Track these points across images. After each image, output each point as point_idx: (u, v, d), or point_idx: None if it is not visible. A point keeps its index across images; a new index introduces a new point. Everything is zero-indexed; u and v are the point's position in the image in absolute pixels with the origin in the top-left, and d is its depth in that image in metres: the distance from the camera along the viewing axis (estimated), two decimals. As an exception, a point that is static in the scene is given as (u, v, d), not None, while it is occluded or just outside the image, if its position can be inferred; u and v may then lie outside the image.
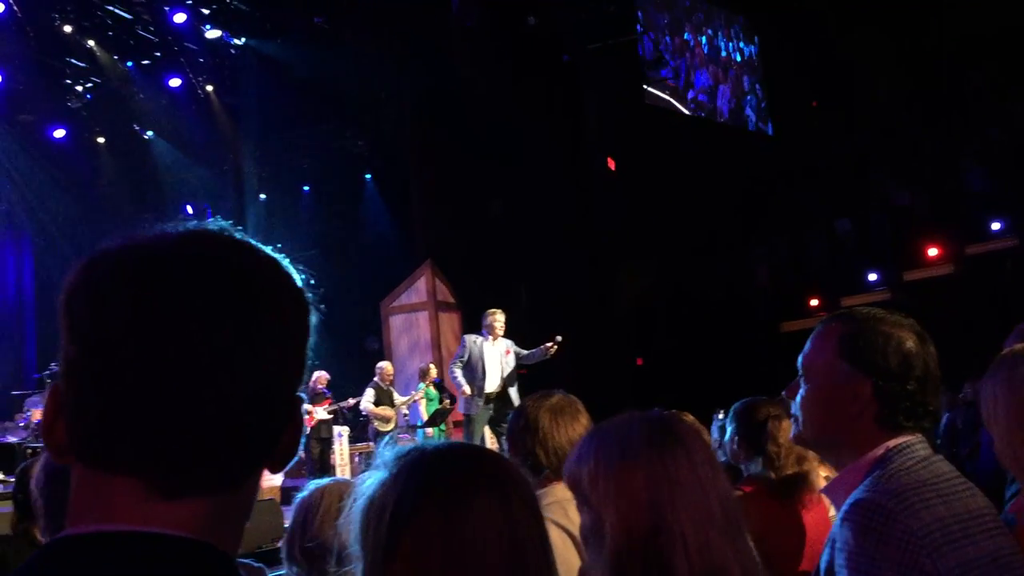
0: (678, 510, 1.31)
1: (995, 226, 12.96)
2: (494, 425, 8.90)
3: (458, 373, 8.90)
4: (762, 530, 1.47)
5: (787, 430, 2.78)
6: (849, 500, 1.64)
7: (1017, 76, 13.29)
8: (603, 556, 1.34)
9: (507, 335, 9.11)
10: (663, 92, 14.90)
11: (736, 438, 3.03)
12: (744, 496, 2.79)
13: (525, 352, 9.02)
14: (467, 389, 8.80)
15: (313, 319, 0.86)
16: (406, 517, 1.10)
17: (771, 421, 2.91)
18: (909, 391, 1.69)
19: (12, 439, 8.63)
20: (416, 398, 10.87)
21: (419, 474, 1.15)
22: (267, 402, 0.78)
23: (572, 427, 2.36)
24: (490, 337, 8.96)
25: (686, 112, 15.03)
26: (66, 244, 15.02)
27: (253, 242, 0.83)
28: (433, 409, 10.60)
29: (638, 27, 14.24)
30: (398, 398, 10.85)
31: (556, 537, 2.19)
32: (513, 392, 8.89)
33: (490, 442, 8.97)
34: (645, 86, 14.31)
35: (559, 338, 8.88)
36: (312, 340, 0.85)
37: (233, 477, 0.78)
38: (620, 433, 1.40)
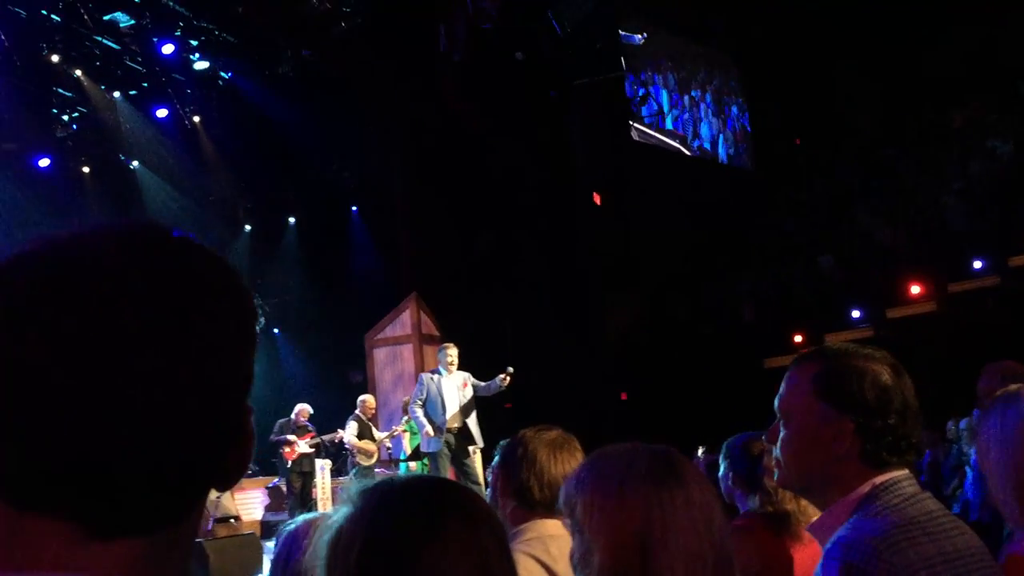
0: (668, 550, 1.30)
1: (977, 264, 13.05)
2: (456, 460, 8.96)
3: (419, 413, 9.05)
4: (758, 565, 1.45)
5: None
6: (832, 538, 1.62)
7: (998, 114, 13.47)
8: None
9: (491, 368, 9.16)
10: (649, 128, 15.04)
11: (731, 474, 3.02)
12: (739, 530, 2.78)
13: (482, 384, 9.12)
14: (429, 430, 8.96)
15: (260, 323, 0.76)
16: (376, 551, 1.09)
17: (767, 456, 2.89)
18: (891, 425, 1.67)
19: None
20: (398, 431, 10.80)
21: (388, 507, 1.13)
22: (209, 419, 0.68)
23: (569, 464, 2.32)
24: (446, 372, 9.08)
25: (672, 148, 15.16)
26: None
27: (188, 240, 0.73)
28: (416, 443, 10.52)
29: (623, 65, 14.40)
30: (378, 433, 10.79)
31: (535, 571, 2.17)
32: (472, 424, 9.04)
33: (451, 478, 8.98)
34: (631, 122, 14.44)
35: (511, 369, 9.02)
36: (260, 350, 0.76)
37: (177, 509, 0.69)
38: (620, 464, 1.39)
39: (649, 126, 15.20)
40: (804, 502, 2.83)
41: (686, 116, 16.25)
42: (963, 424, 6.00)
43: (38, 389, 0.64)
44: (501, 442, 2.52)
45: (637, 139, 14.96)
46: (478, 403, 9.28)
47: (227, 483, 0.74)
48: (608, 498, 1.35)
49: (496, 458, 2.49)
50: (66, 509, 0.65)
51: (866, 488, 1.67)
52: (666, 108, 15.71)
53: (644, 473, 1.37)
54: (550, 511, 2.28)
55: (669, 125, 15.85)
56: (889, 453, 1.69)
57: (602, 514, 1.34)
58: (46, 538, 0.65)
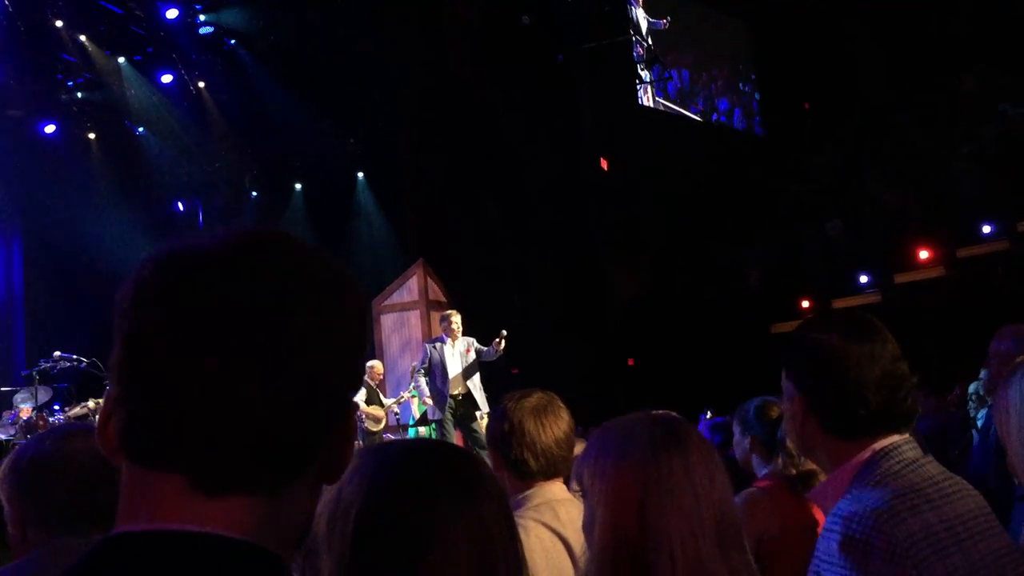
0: (667, 516, 1.31)
1: (986, 229, 12.98)
2: (462, 425, 8.99)
3: (422, 382, 9.14)
4: (777, 528, 1.45)
5: None
6: (833, 511, 1.62)
7: (1009, 78, 13.32)
8: (594, 548, 1.36)
9: (497, 334, 9.17)
10: (656, 93, 14.92)
11: (748, 439, 2.99)
12: (761, 492, 2.80)
13: (484, 349, 9.15)
14: (428, 399, 9.09)
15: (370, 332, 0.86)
16: (373, 512, 1.10)
17: (786, 419, 2.89)
18: (838, 395, 1.67)
19: (1, 436, 8.58)
20: (406, 397, 10.85)
21: (385, 471, 1.14)
22: (311, 402, 0.78)
23: (556, 425, 2.30)
24: (449, 339, 9.11)
25: (680, 112, 15.05)
26: (56, 240, 14.94)
27: (305, 241, 0.84)
28: (424, 408, 10.58)
29: (632, 28, 14.25)
30: (386, 399, 10.84)
31: (546, 538, 2.17)
32: (476, 389, 9.07)
33: (459, 444, 9.04)
34: (639, 86, 14.32)
35: (504, 332, 9.04)
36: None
37: (275, 477, 0.78)
38: (622, 432, 1.41)
39: (658, 89, 15.07)
40: None
41: (698, 88, 16.13)
42: (971, 388, 5.98)
43: (170, 357, 0.75)
44: (488, 412, 2.50)
45: (646, 104, 14.85)
46: (486, 369, 9.30)
47: (331, 473, 0.84)
48: (607, 466, 1.37)
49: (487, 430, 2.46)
50: (178, 467, 0.75)
51: (866, 454, 1.67)
52: (678, 82, 15.60)
53: (644, 441, 1.38)
54: (550, 476, 2.29)
55: (676, 89, 15.73)
56: (845, 423, 1.68)
57: (602, 481, 1.37)
58: (163, 493, 0.75)
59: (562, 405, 2.37)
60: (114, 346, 0.79)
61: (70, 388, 10.34)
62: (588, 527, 1.39)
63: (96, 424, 0.82)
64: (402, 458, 1.17)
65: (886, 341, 1.70)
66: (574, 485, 3.11)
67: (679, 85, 15.83)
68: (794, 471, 2.85)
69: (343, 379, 0.82)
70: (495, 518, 1.14)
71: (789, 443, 2.85)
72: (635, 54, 14.31)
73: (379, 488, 1.12)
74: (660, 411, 1.49)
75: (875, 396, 1.66)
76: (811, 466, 2.83)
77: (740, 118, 16.68)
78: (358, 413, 10.74)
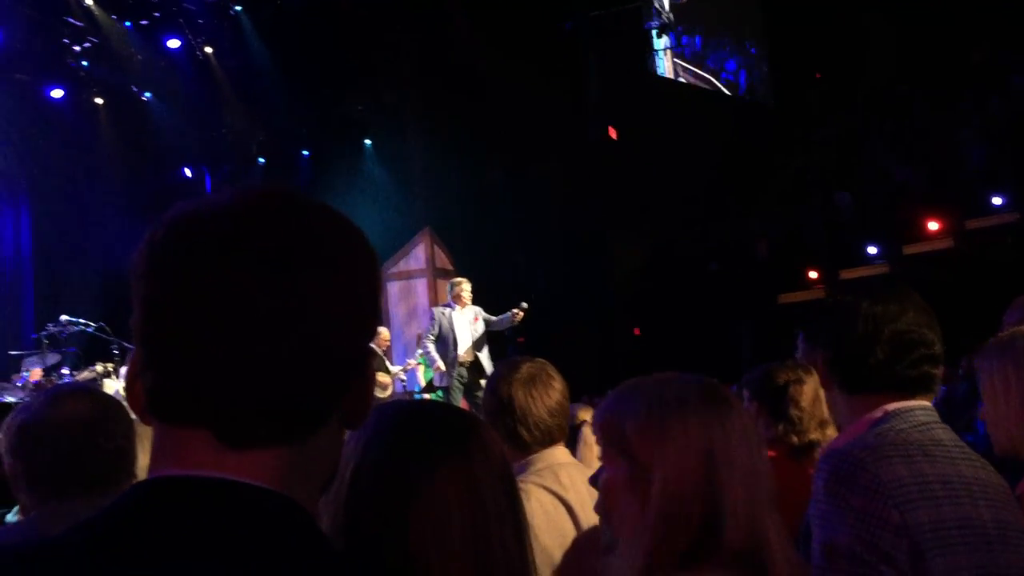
0: (734, 470, 1.29)
1: (996, 200, 12.90)
2: (469, 393, 8.99)
3: (431, 347, 9.08)
4: (782, 493, 1.45)
5: (808, 394, 2.79)
6: (826, 451, 1.63)
7: (1018, 50, 13.18)
8: (648, 508, 1.30)
9: (502, 303, 9.18)
10: (666, 64, 14.79)
11: (755, 404, 2.98)
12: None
13: (494, 319, 9.14)
14: (440, 365, 8.99)
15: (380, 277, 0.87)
16: (368, 468, 1.11)
17: (792, 386, 2.88)
18: (846, 350, 1.70)
19: (10, 399, 8.64)
20: (413, 365, 10.89)
21: (382, 429, 1.16)
22: (324, 358, 0.80)
23: (548, 395, 2.30)
24: (457, 306, 9.10)
25: (688, 81, 14.93)
26: (64, 205, 14.94)
27: (312, 199, 0.86)
28: (431, 376, 10.61)
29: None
30: (392, 366, 10.88)
31: (547, 501, 2.19)
32: (485, 359, 9.05)
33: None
34: (655, 53, 14.19)
35: (525, 305, 9.00)
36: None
37: (296, 429, 0.80)
38: (672, 388, 1.37)
39: (672, 56, 14.92)
40: (830, 431, 2.84)
41: (708, 52, 15.97)
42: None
43: (185, 318, 0.77)
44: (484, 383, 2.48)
45: (664, 73, 14.70)
46: (490, 337, 9.32)
47: (352, 419, 0.86)
48: (669, 421, 1.32)
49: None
50: (205, 422, 0.78)
51: (878, 413, 1.68)
52: (692, 48, 15.44)
53: (700, 396, 1.35)
54: (546, 444, 2.30)
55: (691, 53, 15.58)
56: (853, 376, 1.71)
57: (663, 437, 1.32)
58: (191, 447, 0.78)
59: (553, 373, 2.36)
60: (133, 309, 0.81)
61: (78, 352, 10.39)
62: (627, 484, 1.34)
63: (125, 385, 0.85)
64: (398, 417, 1.19)
65: (906, 306, 1.71)
66: (586, 441, 3.11)
67: (694, 49, 15.68)
68: (796, 439, 2.86)
69: (358, 329, 0.84)
70: (490, 479, 1.14)
71: (793, 412, 2.86)
72: (650, 23, 14.15)
73: (374, 445, 1.14)
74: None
75: (880, 352, 1.67)
76: (814, 436, 2.84)
77: (748, 82, 16.52)
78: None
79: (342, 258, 0.83)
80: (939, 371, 1.73)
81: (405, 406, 1.23)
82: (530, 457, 2.28)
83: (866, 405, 1.70)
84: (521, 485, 2.19)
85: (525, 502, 2.11)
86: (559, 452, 2.32)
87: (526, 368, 2.34)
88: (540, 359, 2.40)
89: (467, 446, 1.16)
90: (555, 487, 2.21)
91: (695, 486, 1.28)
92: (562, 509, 2.19)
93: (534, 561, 1.22)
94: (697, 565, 1.27)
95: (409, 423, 1.18)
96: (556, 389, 2.33)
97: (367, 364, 0.86)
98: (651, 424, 1.34)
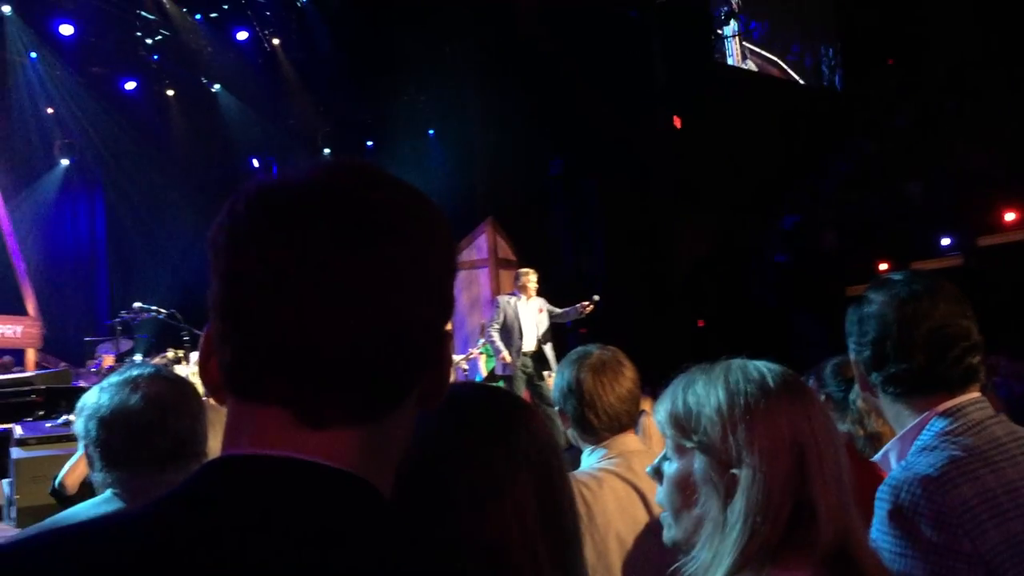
0: (824, 460, 1.24)
1: (1077, 190, 12.46)
2: (532, 383, 8.96)
3: (496, 336, 9.01)
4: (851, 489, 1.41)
5: None
6: (886, 479, 1.58)
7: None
8: (733, 503, 1.24)
9: (563, 294, 9.14)
10: (734, 49, 14.57)
11: (824, 396, 2.94)
12: None
13: (559, 311, 9.09)
14: (506, 355, 8.92)
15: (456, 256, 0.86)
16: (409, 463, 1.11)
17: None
18: (884, 357, 1.65)
19: (84, 384, 8.90)
20: (475, 354, 10.93)
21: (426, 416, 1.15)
22: (404, 334, 0.78)
23: (618, 382, 2.29)
24: (523, 296, 9.03)
25: (756, 64, 14.70)
26: (137, 195, 15.34)
27: (392, 176, 0.84)
28: (492, 365, 10.65)
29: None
30: (454, 356, 10.92)
31: (619, 488, 2.19)
32: (548, 350, 9.00)
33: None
34: (724, 41, 14.00)
35: (596, 297, 8.91)
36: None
37: (373, 408, 0.79)
38: (752, 377, 1.31)
39: (740, 40, 14.70)
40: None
41: (777, 36, 15.70)
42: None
43: (267, 292, 0.76)
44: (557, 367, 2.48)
45: (733, 62, 14.51)
46: (553, 328, 9.28)
47: (430, 399, 0.85)
48: (755, 411, 1.26)
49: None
50: (282, 400, 0.76)
51: (927, 417, 1.62)
52: (759, 32, 15.20)
53: (783, 386, 1.29)
54: (615, 431, 2.29)
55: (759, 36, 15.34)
56: (896, 383, 1.65)
57: (749, 429, 1.25)
58: (268, 424, 0.77)
59: (624, 361, 2.36)
60: (212, 283, 0.80)
61: (150, 339, 10.66)
62: (704, 478, 1.28)
63: (198, 362, 0.84)
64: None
65: (936, 299, 1.64)
66: (647, 432, 3.08)
67: (762, 32, 15.43)
68: (862, 432, 2.81)
69: (437, 308, 0.82)
70: (506, 472, 1.11)
71: (860, 404, 2.81)
72: (718, 12, 13.95)
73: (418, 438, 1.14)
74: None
75: (921, 354, 1.61)
76: (881, 427, 2.78)
77: (816, 67, 16.19)
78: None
79: (421, 233, 0.82)
80: (982, 359, 1.66)
81: (452, 391, 1.22)
82: (602, 444, 2.28)
83: (913, 409, 1.64)
84: (594, 472, 2.19)
85: (597, 489, 2.12)
86: (630, 439, 2.31)
87: (597, 354, 2.34)
88: (612, 347, 2.40)
89: (490, 436, 1.13)
90: (628, 475, 2.20)
91: (786, 480, 1.22)
92: (635, 496, 2.18)
93: (582, 554, 1.19)
94: (785, 561, 1.22)
95: (433, 415, 1.17)
96: (627, 377, 2.33)
97: (444, 344, 0.84)
98: (734, 415, 1.27)
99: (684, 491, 1.32)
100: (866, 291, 1.73)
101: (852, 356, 1.73)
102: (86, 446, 1.96)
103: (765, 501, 1.22)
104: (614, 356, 2.35)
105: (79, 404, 2.03)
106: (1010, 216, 12.69)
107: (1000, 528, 1.46)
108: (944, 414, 1.61)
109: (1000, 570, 1.44)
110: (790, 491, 1.22)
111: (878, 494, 1.56)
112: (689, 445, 1.32)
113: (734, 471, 1.25)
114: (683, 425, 1.33)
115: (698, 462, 1.30)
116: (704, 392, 1.32)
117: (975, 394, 1.64)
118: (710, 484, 1.28)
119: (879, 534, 1.53)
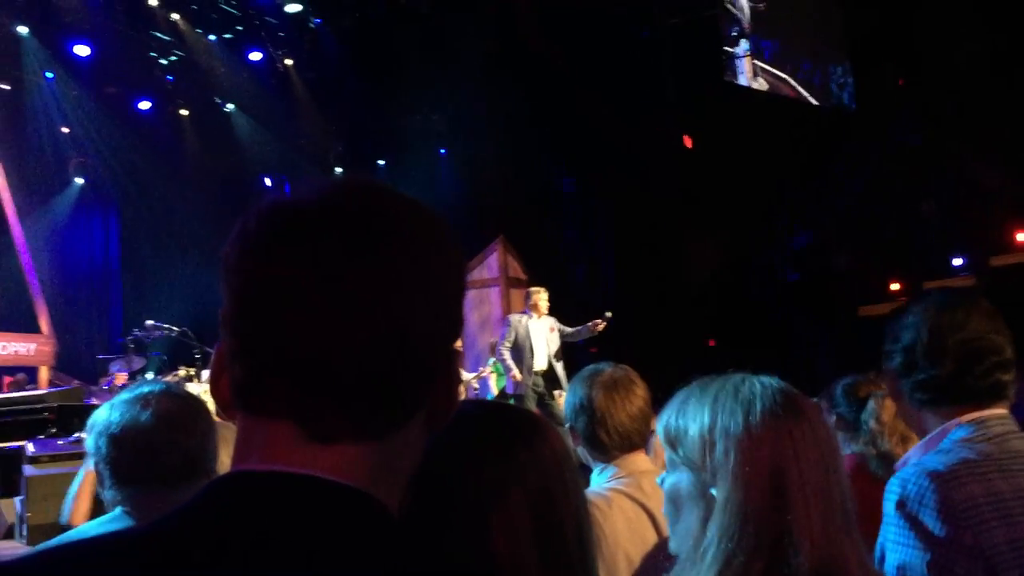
0: (805, 487, 1.20)
1: (1091, 210, 12.41)
2: (542, 403, 8.93)
3: (507, 355, 8.98)
4: (861, 509, 1.40)
5: (890, 408, 2.73)
6: (896, 474, 1.58)
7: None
8: (714, 523, 1.23)
9: (573, 313, 9.13)
10: (744, 68, 14.60)
11: (833, 417, 2.93)
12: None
13: (570, 330, 9.07)
14: (516, 374, 8.89)
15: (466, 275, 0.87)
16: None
17: (874, 399, 2.84)
18: (915, 364, 1.66)
19: (97, 401, 8.93)
20: (485, 373, 10.92)
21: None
22: (412, 351, 0.79)
23: (629, 400, 2.29)
24: (534, 315, 9.01)
25: (767, 82, 14.71)
26: (150, 214, 15.44)
27: (403, 194, 0.84)
28: (503, 384, 10.64)
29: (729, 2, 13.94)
30: (465, 374, 10.91)
31: (628, 508, 2.18)
32: (560, 369, 8.96)
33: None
34: (735, 61, 14.03)
35: (608, 314, 8.89)
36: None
37: (382, 425, 0.79)
38: (741, 394, 1.29)
39: (751, 59, 14.72)
40: (911, 445, 2.76)
41: (788, 54, 15.72)
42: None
43: (279, 309, 0.76)
44: (568, 385, 2.47)
45: (744, 82, 14.52)
46: (564, 347, 9.26)
47: (437, 419, 0.84)
48: (734, 431, 1.25)
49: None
50: (290, 415, 0.77)
51: (951, 426, 1.63)
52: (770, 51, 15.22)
53: (771, 405, 1.26)
54: (626, 450, 2.28)
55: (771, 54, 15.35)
56: (923, 390, 1.66)
57: (726, 449, 1.24)
58: (276, 439, 0.77)
59: (636, 379, 2.35)
60: (224, 300, 0.80)
61: (162, 357, 10.69)
62: (689, 495, 1.28)
63: (209, 379, 0.85)
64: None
65: (971, 313, 1.66)
66: (655, 449, 3.08)
67: (774, 51, 15.45)
68: (875, 451, 2.80)
69: (446, 325, 0.83)
70: (494, 497, 1.10)
71: (872, 424, 2.80)
72: (730, 31, 14.00)
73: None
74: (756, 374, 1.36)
75: (950, 363, 1.62)
76: (894, 447, 2.77)
77: (828, 86, 16.19)
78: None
79: (431, 251, 0.82)
80: (1012, 376, 1.67)
81: (463, 407, 1.22)
82: (612, 463, 2.27)
83: (939, 418, 1.65)
84: (604, 492, 2.18)
85: (606, 509, 2.11)
86: (640, 459, 2.30)
87: (609, 372, 2.34)
88: (624, 365, 2.39)
89: (480, 458, 1.12)
90: (637, 494, 2.20)
91: (761, 504, 1.20)
92: (644, 516, 2.17)
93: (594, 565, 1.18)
94: None
95: (457, 423, 1.16)
96: (638, 395, 2.32)
97: (453, 363, 0.84)
98: (713, 438, 1.26)
99: (675, 504, 1.33)
100: (906, 302, 1.76)
101: (884, 364, 1.75)
102: (96, 463, 1.97)
103: (738, 527, 1.20)
104: (626, 374, 2.35)
105: (90, 421, 2.04)
106: (1022, 236, 12.64)
107: (1006, 529, 1.46)
108: (966, 424, 1.61)
109: (1000, 570, 1.42)
110: (766, 518, 1.20)
111: (887, 487, 1.57)
112: (678, 460, 1.33)
113: (712, 491, 1.25)
114: (672, 441, 1.34)
115: (684, 478, 1.31)
116: (693, 411, 1.32)
117: (1002, 410, 1.64)
118: (692, 501, 1.28)
119: (885, 527, 1.54)
